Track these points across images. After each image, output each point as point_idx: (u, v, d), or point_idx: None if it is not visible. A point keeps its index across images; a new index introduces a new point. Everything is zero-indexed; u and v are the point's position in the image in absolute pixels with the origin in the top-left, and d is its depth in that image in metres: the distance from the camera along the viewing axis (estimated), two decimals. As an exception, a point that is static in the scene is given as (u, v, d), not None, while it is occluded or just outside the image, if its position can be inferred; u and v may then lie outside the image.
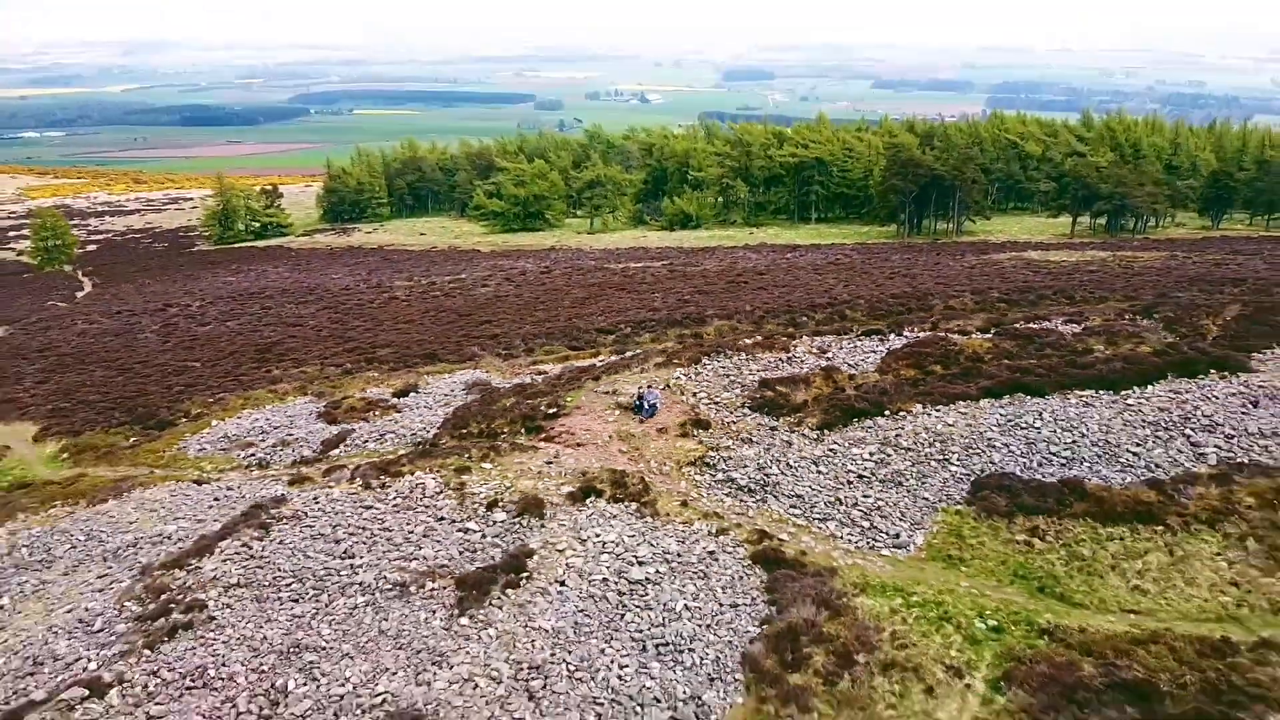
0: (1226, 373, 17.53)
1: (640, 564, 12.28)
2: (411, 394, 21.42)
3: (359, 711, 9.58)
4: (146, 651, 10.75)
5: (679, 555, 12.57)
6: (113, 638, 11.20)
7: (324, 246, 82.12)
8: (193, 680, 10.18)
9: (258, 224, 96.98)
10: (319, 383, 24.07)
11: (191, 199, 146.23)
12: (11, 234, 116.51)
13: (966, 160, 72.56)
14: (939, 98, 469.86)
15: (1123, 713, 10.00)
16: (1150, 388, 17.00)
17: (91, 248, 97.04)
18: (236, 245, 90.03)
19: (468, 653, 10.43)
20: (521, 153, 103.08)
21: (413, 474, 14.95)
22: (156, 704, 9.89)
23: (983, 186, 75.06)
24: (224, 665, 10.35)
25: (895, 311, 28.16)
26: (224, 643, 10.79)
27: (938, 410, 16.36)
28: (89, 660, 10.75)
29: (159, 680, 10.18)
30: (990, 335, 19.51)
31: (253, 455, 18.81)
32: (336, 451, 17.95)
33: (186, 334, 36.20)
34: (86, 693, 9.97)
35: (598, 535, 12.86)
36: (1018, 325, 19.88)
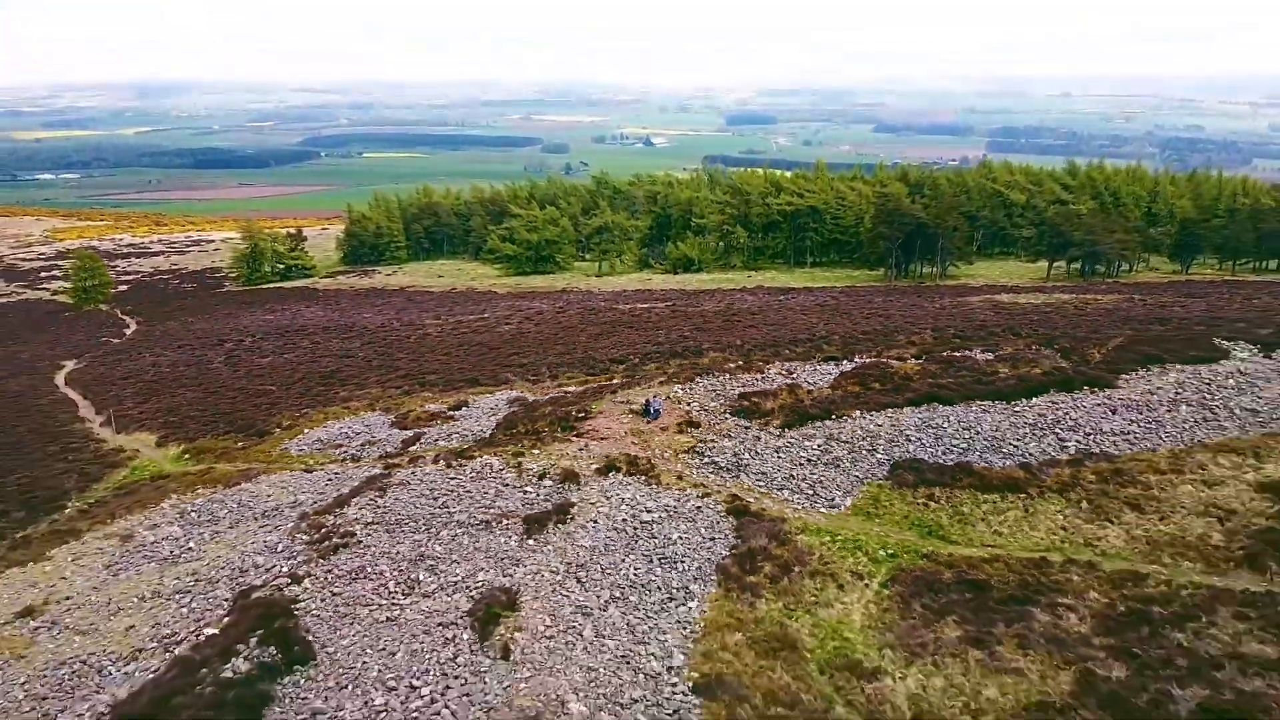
0: (1096, 388, 23.28)
1: (648, 512, 17.96)
2: (464, 408, 27.18)
3: (467, 589, 15.18)
4: (321, 560, 16.41)
5: (675, 508, 18.25)
6: (293, 555, 16.85)
7: (348, 287, 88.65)
8: (355, 574, 15.80)
9: (283, 266, 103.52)
10: (384, 401, 29.90)
11: (213, 241, 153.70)
12: (44, 274, 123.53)
13: (949, 209, 79.02)
14: (940, 142, 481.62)
15: (962, 596, 15.56)
16: (1035, 399, 22.76)
17: (123, 287, 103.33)
18: (264, 286, 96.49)
19: (534, 559, 16.08)
20: (533, 199, 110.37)
21: (481, 457, 20.72)
22: (334, 587, 15.49)
23: (965, 234, 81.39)
24: (375, 566, 15.99)
25: (863, 346, 33.96)
26: (371, 555, 16.45)
27: (871, 415, 22.13)
28: (282, 566, 16.38)
29: (334, 574, 15.80)
30: (920, 360, 25.34)
31: (345, 452, 24.55)
32: (414, 448, 23.67)
33: (251, 364, 42.19)
34: (289, 580, 15.58)
35: (618, 494, 18.56)
36: (943, 353, 25.74)
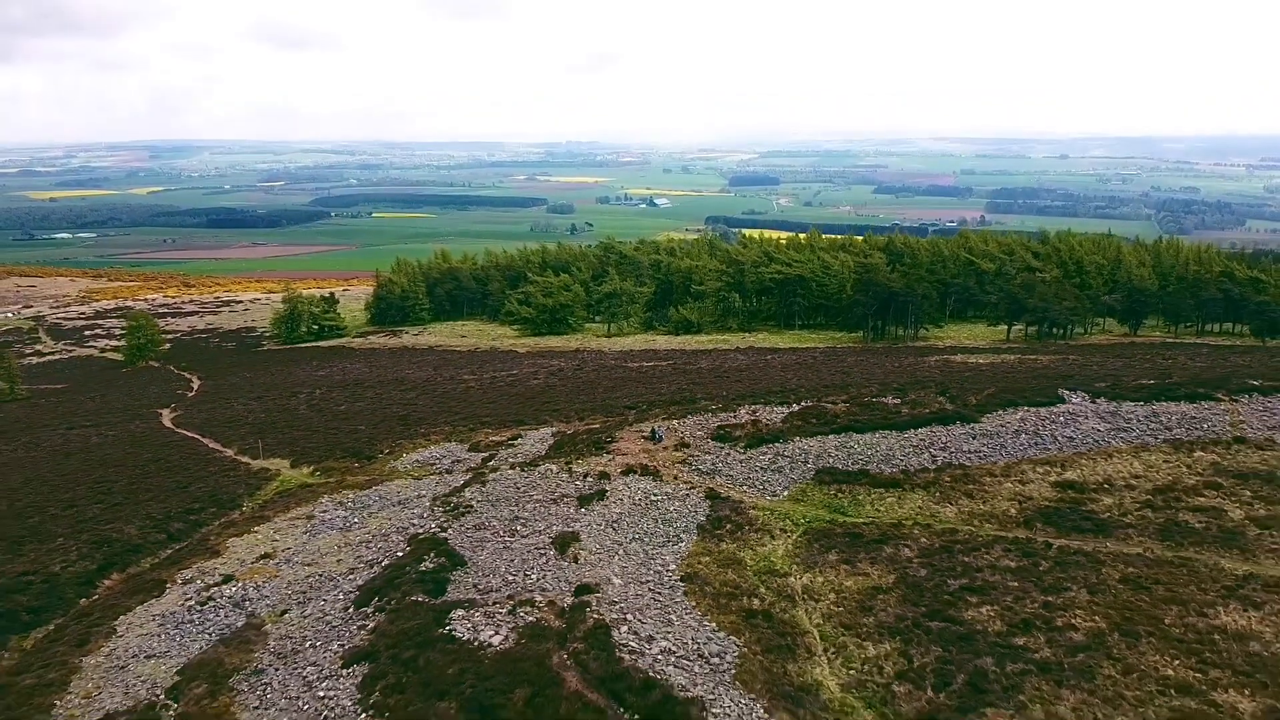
0: (965, 422, 34.34)
1: (655, 496, 28.94)
2: (519, 438, 38.20)
3: (548, 532, 26.07)
4: (454, 520, 27.36)
5: (671, 494, 29.25)
6: (435, 518, 27.80)
7: (381, 346, 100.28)
8: (478, 526, 26.73)
9: (317, 326, 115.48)
10: (455, 435, 40.98)
11: (241, 301, 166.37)
12: (87, 333, 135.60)
13: (919, 280, 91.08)
14: (938, 203, 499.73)
15: (844, 540, 26.37)
16: (920, 429, 33.82)
17: (167, 346, 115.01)
18: (301, 345, 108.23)
19: (585, 518, 27.04)
20: (546, 264, 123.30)
21: (543, 465, 31.81)
22: (467, 533, 26.39)
23: (935, 300, 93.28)
24: (489, 522, 26.92)
25: (814, 395, 45.01)
26: (485, 517, 27.39)
27: (806, 439, 33.23)
28: (431, 525, 27.33)
29: (465, 526, 26.74)
30: (847, 404, 36.52)
31: (440, 468, 35.53)
32: (492, 462, 34.65)
33: (332, 411, 53.39)
34: (438, 529, 26.55)
35: (635, 486, 29.58)
36: (865, 398, 36.93)
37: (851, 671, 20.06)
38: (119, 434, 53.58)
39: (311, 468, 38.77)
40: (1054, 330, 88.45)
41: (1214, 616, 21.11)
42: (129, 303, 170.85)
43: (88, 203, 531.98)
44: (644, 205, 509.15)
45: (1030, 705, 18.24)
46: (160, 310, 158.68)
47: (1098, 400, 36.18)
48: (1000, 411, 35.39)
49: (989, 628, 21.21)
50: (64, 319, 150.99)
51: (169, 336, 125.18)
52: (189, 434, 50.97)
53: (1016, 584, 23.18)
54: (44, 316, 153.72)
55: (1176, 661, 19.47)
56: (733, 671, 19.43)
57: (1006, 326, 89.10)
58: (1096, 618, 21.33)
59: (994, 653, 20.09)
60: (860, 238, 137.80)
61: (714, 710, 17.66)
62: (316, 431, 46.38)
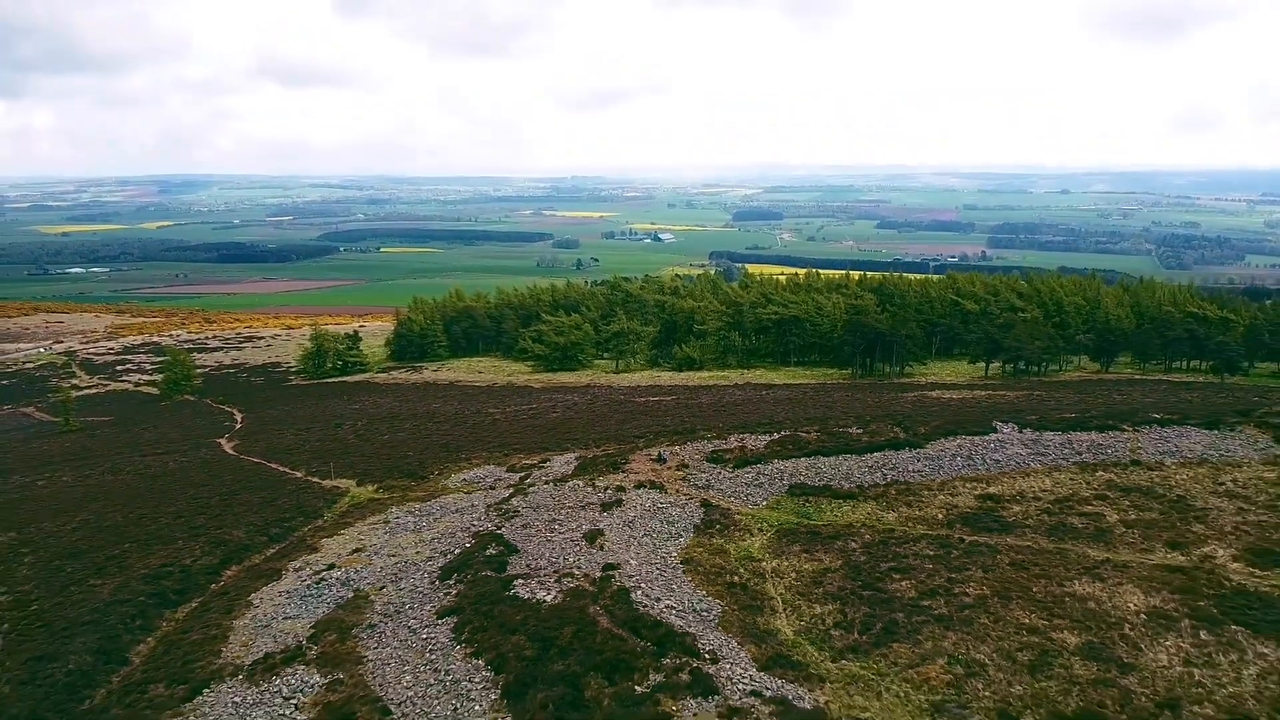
0: (912, 448, 42.80)
1: (661, 504, 37.46)
2: (547, 462, 46.69)
3: (579, 529, 34.50)
4: (505, 522, 35.87)
5: (674, 502, 37.80)
6: (491, 520, 36.30)
7: (404, 381, 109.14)
8: (524, 526, 35.21)
9: (342, 362, 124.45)
10: (493, 459, 49.52)
11: (263, 337, 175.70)
12: (119, 368, 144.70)
13: (905, 321, 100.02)
14: (940, 238, 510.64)
15: (806, 536, 34.74)
16: (875, 454, 42.30)
17: (198, 380, 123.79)
18: (328, 380, 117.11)
19: (608, 520, 35.54)
20: (558, 304, 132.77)
21: (571, 481, 40.36)
22: (516, 531, 34.83)
23: (919, 339, 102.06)
24: (532, 523, 35.40)
25: (793, 426, 53.46)
26: (529, 519, 35.87)
27: (783, 461, 41.79)
28: (488, 525, 35.79)
29: (514, 525, 35.23)
30: (817, 433, 45.06)
31: (484, 484, 44.00)
32: (528, 480, 43.14)
33: (377, 440, 61.97)
34: (494, 528, 35.03)
35: (646, 496, 38.11)
36: (832, 429, 45.47)
37: (802, 622, 28.41)
38: (191, 460, 62.23)
39: (375, 486, 47.32)
40: (1029, 367, 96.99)
41: (1069, 587, 29.42)
42: (155, 338, 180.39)
43: (99, 237, 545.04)
44: (649, 240, 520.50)
45: (924, 641, 26.54)
46: (185, 345, 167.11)
47: (1024, 430, 44.72)
48: (942, 439, 43.91)
49: (905, 594, 29.55)
50: (94, 354, 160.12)
51: (200, 371, 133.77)
52: (255, 460, 59.57)
53: (931, 566, 31.53)
54: (75, 352, 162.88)
55: (1033, 615, 27.76)
56: (716, 621, 27.82)
57: (985, 364, 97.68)
58: (984, 588, 29.65)
59: (905, 610, 28.42)
60: (857, 274, 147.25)
61: (701, 642, 26.02)
62: (370, 457, 54.98)
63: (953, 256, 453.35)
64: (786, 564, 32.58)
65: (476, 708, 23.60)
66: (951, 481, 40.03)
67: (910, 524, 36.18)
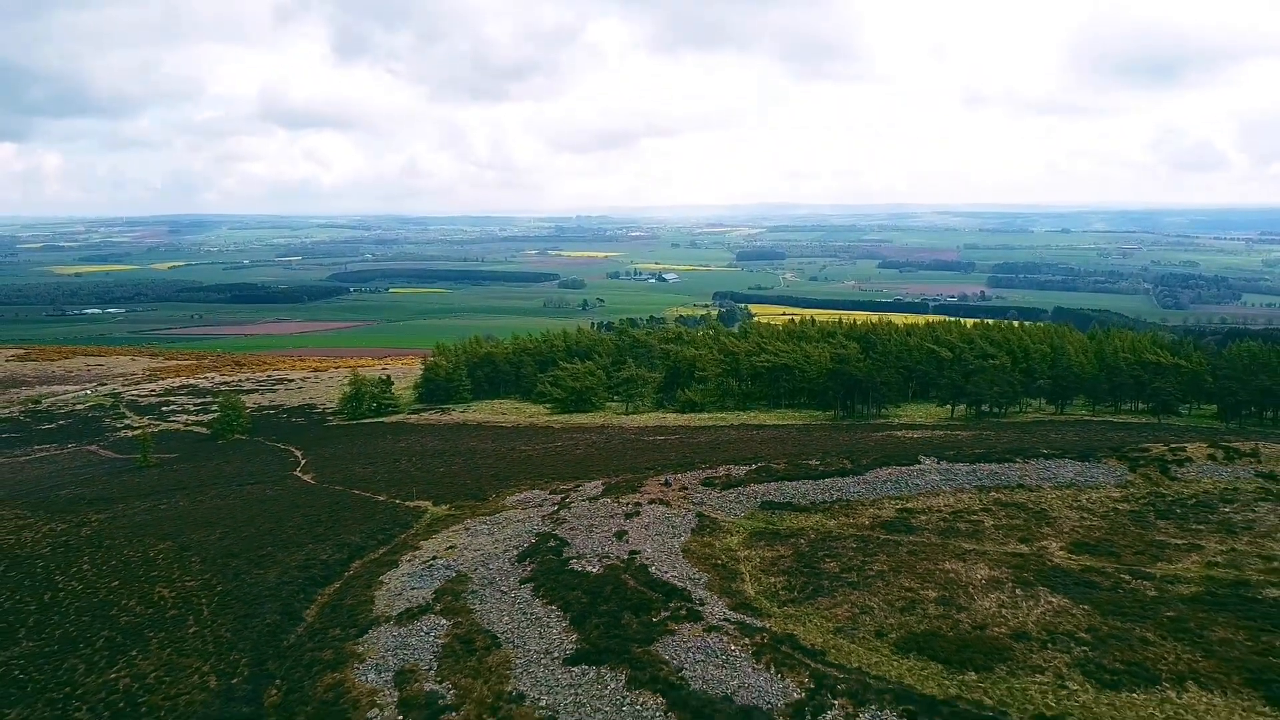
0: (855, 475, 58.59)
1: (667, 515, 53.31)
2: (580, 486, 62.42)
3: (610, 530, 50.21)
4: (557, 527, 51.70)
5: (677, 514, 53.70)
6: (545, 527, 52.11)
7: (437, 422, 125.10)
8: (571, 528, 50.97)
9: (376, 404, 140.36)
10: (537, 485, 65.31)
11: (294, 380, 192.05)
12: (164, 409, 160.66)
13: (883, 367, 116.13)
14: (941, 278, 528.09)
15: (772, 537, 50.38)
16: (826, 480, 58.15)
17: (248, 421, 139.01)
18: (365, 421, 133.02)
19: (630, 525, 51.37)
20: (572, 351, 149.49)
21: (601, 499, 56.24)
22: (565, 533, 50.57)
23: (896, 384, 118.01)
24: (576, 527, 51.21)
25: (768, 460, 69.17)
26: (574, 524, 51.71)
27: (758, 485, 57.77)
28: (545, 528, 51.56)
29: (563, 528, 51.03)
30: (785, 464, 60.91)
31: (534, 504, 59.75)
32: (568, 499, 58.85)
33: (436, 471, 77.78)
34: (550, 530, 50.81)
35: (656, 509, 54.06)
36: (799, 461, 61.33)
37: (761, 587, 44.06)
38: (283, 489, 78.08)
39: (449, 505, 63.19)
40: (991, 409, 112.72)
41: (941, 565, 45.02)
42: (191, 380, 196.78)
43: (113, 278, 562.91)
44: (653, 280, 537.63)
45: (838, 596, 42.14)
46: (220, 388, 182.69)
47: (941, 461, 60.55)
48: (878, 468, 59.77)
49: (831, 570, 45.18)
50: (138, 396, 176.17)
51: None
52: (339, 487, 75.41)
53: (852, 554, 47.17)
54: (120, 394, 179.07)
55: (913, 581, 43.33)
56: (704, 584, 43.51)
57: (951, 407, 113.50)
58: (885, 566, 45.26)
59: (829, 579, 44.05)
60: (848, 320, 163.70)
61: (694, 595, 41.66)
62: (436, 484, 70.91)
63: (952, 296, 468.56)
64: (754, 553, 48.30)
65: (553, 631, 39.24)
66: (880, 499, 55.78)
67: (845, 528, 51.90)
